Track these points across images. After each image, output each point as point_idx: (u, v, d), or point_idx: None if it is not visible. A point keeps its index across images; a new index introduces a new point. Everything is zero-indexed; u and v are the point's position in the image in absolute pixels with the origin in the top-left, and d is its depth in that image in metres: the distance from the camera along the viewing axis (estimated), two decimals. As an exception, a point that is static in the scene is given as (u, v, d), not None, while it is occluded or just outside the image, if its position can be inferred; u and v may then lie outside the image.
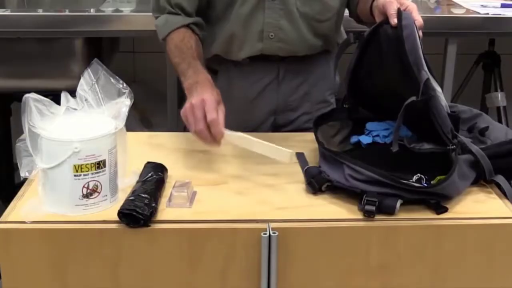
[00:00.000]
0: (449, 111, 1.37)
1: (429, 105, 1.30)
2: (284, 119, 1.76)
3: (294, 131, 1.74)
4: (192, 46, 1.58)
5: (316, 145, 1.43)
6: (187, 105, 1.40)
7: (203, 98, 1.39)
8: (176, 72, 1.58)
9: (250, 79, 1.72)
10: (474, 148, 1.34)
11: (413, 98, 1.28)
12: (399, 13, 1.35)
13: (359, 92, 1.52)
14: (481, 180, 1.36)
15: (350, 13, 1.73)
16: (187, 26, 1.63)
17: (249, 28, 1.64)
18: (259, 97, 1.73)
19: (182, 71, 1.52)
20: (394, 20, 1.35)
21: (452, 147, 1.31)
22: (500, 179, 1.33)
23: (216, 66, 1.73)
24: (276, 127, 1.77)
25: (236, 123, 1.71)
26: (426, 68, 1.32)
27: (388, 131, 1.45)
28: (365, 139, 1.46)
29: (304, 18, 1.65)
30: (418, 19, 1.37)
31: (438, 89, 1.37)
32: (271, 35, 1.65)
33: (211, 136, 1.37)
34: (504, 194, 1.33)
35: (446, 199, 1.29)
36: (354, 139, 1.48)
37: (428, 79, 1.29)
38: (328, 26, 1.70)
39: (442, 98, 1.37)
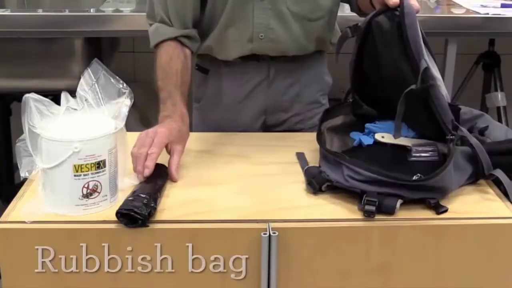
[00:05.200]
0: (449, 101, 1.37)
1: (429, 93, 1.30)
2: (274, 120, 1.76)
3: (285, 131, 1.74)
4: (177, 70, 1.56)
5: (316, 145, 1.43)
6: (146, 130, 1.41)
7: (158, 130, 1.40)
8: (156, 91, 1.57)
9: (241, 79, 1.72)
10: (474, 141, 1.33)
11: (413, 86, 1.29)
12: (401, 1, 1.35)
13: (363, 87, 1.51)
14: (480, 178, 1.36)
15: (351, 7, 1.73)
16: (175, 38, 1.60)
17: (239, 29, 1.64)
18: (249, 97, 1.73)
19: (161, 98, 1.52)
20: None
21: (451, 137, 1.31)
22: (499, 172, 1.32)
23: (207, 65, 1.74)
24: (267, 127, 1.77)
25: (226, 122, 1.73)
26: (426, 57, 1.32)
27: (391, 133, 1.45)
28: (367, 140, 1.46)
29: (295, 18, 1.65)
30: (415, 4, 1.37)
31: (439, 76, 1.37)
32: (261, 36, 1.64)
33: (142, 166, 1.34)
34: (503, 191, 1.33)
35: (442, 194, 1.28)
36: (356, 137, 1.48)
37: (427, 67, 1.29)
38: (320, 26, 1.69)
39: (443, 88, 1.37)
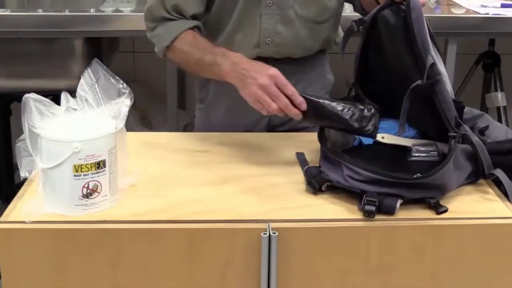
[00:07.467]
0: (453, 97, 1.37)
1: (434, 89, 1.30)
2: (279, 119, 1.75)
3: (289, 131, 1.74)
4: (205, 41, 1.56)
5: (316, 145, 1.43)
6: (253, 87, 1.39)
7: (270, 74, 1.38)
8: (198, 71, 1.55)
9: None
10: (475, 139, 1.33)
11: (419, 82, 1.28)
12: None
13: (367, 81, 1.51)
14: (480, 178, 1.36)
15: (354, 7, 1.72)
16: (192, 29, 1.60)
17: (246, 35, 1.64)
18: None
19: (209, 62, 1.50)
20: None
21: (453, 134, 1.31)
22: (499, 172, 1.32)
23: None
24: (271, 127, 1.77)
25: (230, 123, 1.72)
26: (432, 53, 1.31)
27: (392, 132, 1.45)
28: (367, 140, 1.46)
29: (303, 21, 1.65)
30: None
31: (444, 72, 1.36)
32: (268, 41, 1.64)
33: (295, 107, 1.35)
34: (503, 191, 1.32)
35: (442, 192, 1.28)
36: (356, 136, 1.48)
37: (433, 63, 1.29)
38: (327, 27, 1.69)
39: (448, 83, 1.37)
